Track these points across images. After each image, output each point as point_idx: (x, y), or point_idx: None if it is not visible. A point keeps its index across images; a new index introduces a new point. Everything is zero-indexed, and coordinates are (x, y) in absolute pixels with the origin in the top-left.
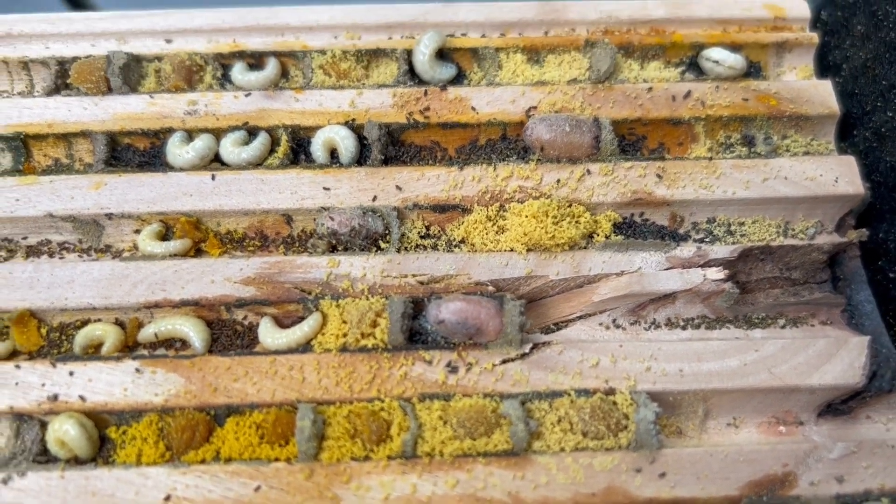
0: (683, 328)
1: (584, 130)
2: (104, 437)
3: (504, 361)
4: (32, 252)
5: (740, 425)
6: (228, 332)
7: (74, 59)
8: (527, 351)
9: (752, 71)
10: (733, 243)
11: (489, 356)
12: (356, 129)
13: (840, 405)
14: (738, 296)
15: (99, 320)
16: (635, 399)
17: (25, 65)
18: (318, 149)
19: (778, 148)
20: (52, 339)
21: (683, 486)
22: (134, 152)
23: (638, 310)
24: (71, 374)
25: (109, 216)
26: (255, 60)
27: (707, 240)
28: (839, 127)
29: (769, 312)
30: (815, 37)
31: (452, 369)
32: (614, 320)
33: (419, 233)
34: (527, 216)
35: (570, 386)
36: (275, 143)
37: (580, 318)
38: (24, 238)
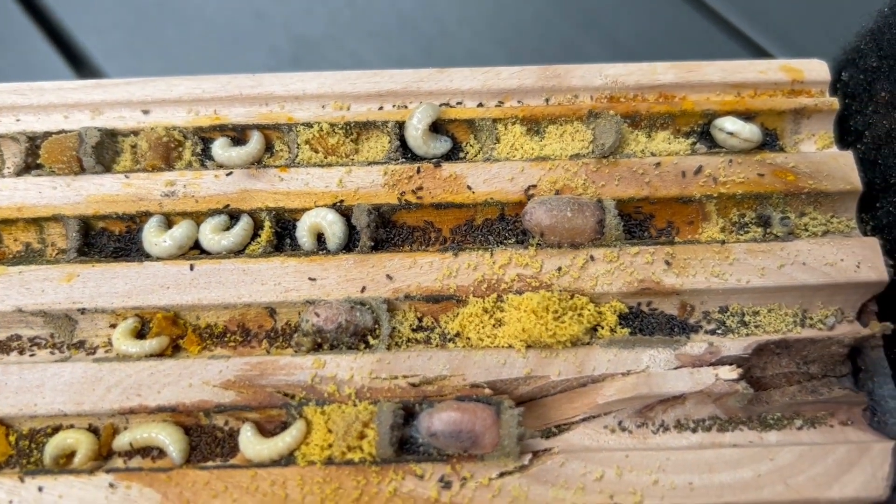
0: (693, 430)
1: (588, 214)
2: None
3: (501, 475)
4: (1, 348)
5: None
6: (208, 440)
7: (46, 133)
8: (526, 463)
9: (768, 140)
10: (747, 335)
11: (485, 469)
12: (344, 211)
13: None
14: (752, 395)
15: (71, 426)
16: None
17: None
18: (303, 234)
19: (795, 228)
20: (20, 447)
21: None
22: (109, 237)
23: (645, 411)
24: (40, 489)
25: (82, 311)
26: (238, 134)
27: (719, 331)
28: (862, 198)
29: (785, 412)
30: (835, 102)
31: (446, 485)
32: (620, 422)
33: (411, 325)
34: (526, 311)
35: (573, 502)
36: (258, 226)
37: (584, 420)
38: None
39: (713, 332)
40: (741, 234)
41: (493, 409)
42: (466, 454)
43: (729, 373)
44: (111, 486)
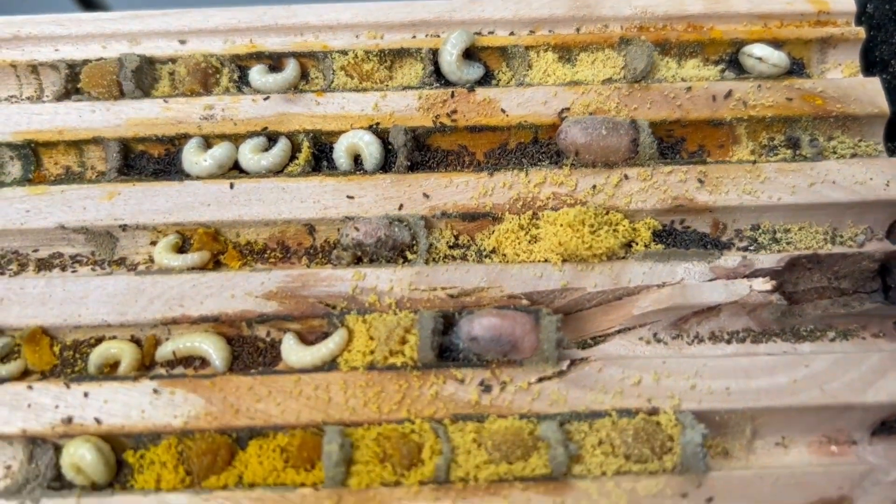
0: (728, 342)
1: (622, 133)
2: (121, 461)
3: (540, 380)
4: (43, 266)
5: (789, 445)
6: (250, 350)
7: (85, 61)
8: (564, 368)
9: (795, 68)
10: (779, 251)
11: (524, 374)
12: (380, 133)
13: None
14: (785, 307)
15: (114, 337)
16: (681, 420)
17: (34, 68)
18: (341, 155)
19: (824, 150)
20: (65, 357)
21: None
22: (148, 159)
23: (680, 323)
24: (86, 395)
25: (123, 227)
26: (274, 62)
27: (751, 248)
28: (888, 127)
29: (818, 325)
30: (861, 31)
31: (486, 388)
32: (655, 334)
33: (448, 243)
34: (562, 225)
35: (611, 405)
36: (295, 149)
37: (619, 332)
38: (35, 251)
39: (745, 249)
40: (771, 157)
41: (532, 315)
42: (506, 359)
43: (763, 284)
44: (155, 391)
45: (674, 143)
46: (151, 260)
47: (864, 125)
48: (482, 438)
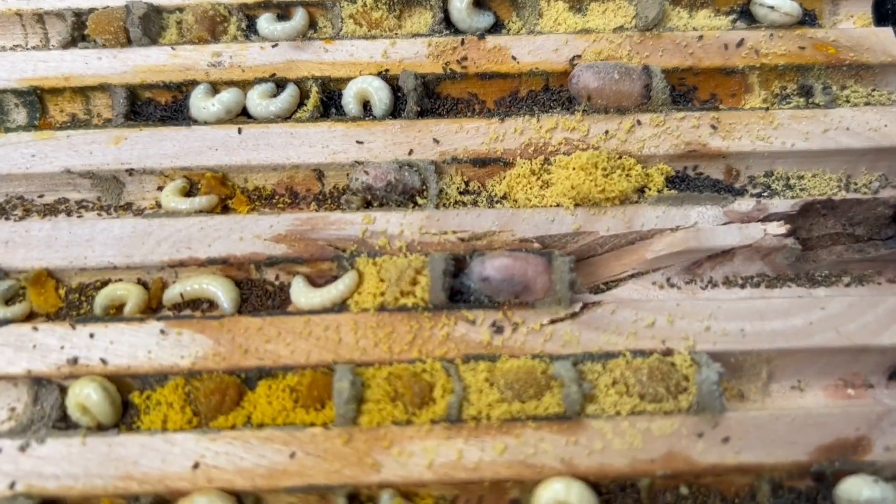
0: (742, 287)
1: (634, 78)
2: (127, 402)
3: (552, 321)
4: (49, 211)
5: (805, 388)
6: (258, 293)
7: (91, 9)
8: (577, 310)
9: (807, 19)
10: (793, 198)
11: (536, 316)
12: (390, 80)
13: None
14: (799, 252)
15: (120, 280)
16: (696, 359)
17: (40, 17)
18: (349, 101)
19: (837, 99)
20: (70, 300)
21: (749, 452)
22: (155, 107)
23: (693, 268)
24: (91, 336)
25: (130, 172)
26: (282, 11)
27: (765, 194)
28: None
29: (832, 270)
30: None
31: (497, 329)
32: (668, 279)
33: (458, 188)
34: (574, 168)
35: (625, 347)
36: (304, 96)
37: (632, 276)
38: (41, 196)
39: (759, 196)
40: (784, 105)
41: (545, 257)
42: (517, 301)
43: (777, 228)
44: (162, 332)
45: (686, 91)
46: (158, 205)
47: (877, 74)
48: (494, 378)
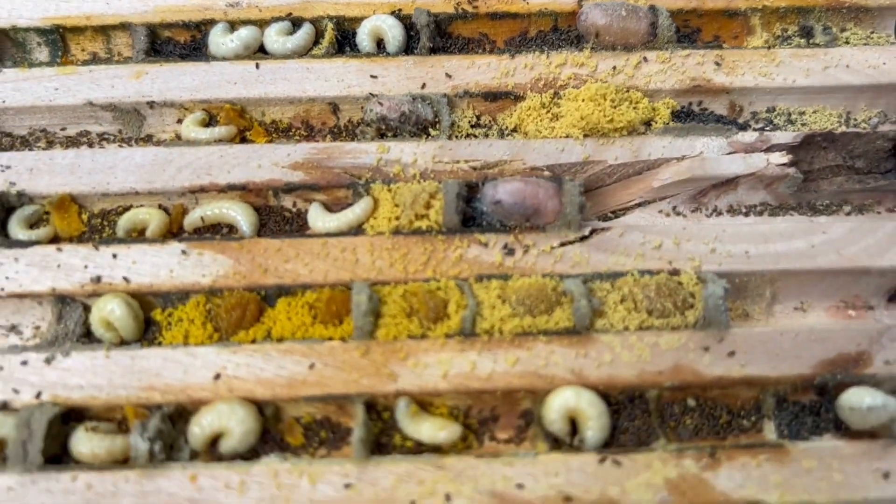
0: (746, 214)
1: (641, 16)
2: (149, 320)
3: (563, 244)
4: (71, 143)
5: (808, 310)
6: (276, 219)
7: None
8: (586, 234)
9: None
10: (794, 132)
11: (547, 239)
12: (403, 19)
13: None
14: (801, 182)
15: (142, 206)
16: (702, 277)
17: None
18: (364, 38)
19: (837, 39)
20: (93, 224)
21: (754, 365)
22: (175, 45)
23: (699, 196)
24: (114, 256)
25: (151, 104)
26: None
27: (767, 129)
28: None
29: (833, 200)
30: None
31: (509, 252)
32: (674, 207)
33: (469, 122)
34: (584, 100)
35: (633, 267)
36: (319, 35)
37: (639, 205)
38: (63, 129)
39: (762, 130)
40: (785, 46)
41: (555, 181)
42: (529, 224)
43: (780, 158)
44: (183, 252)
45: (690, 32)
46: (178, 137)
47: (875, 17)
48: (506, 294)
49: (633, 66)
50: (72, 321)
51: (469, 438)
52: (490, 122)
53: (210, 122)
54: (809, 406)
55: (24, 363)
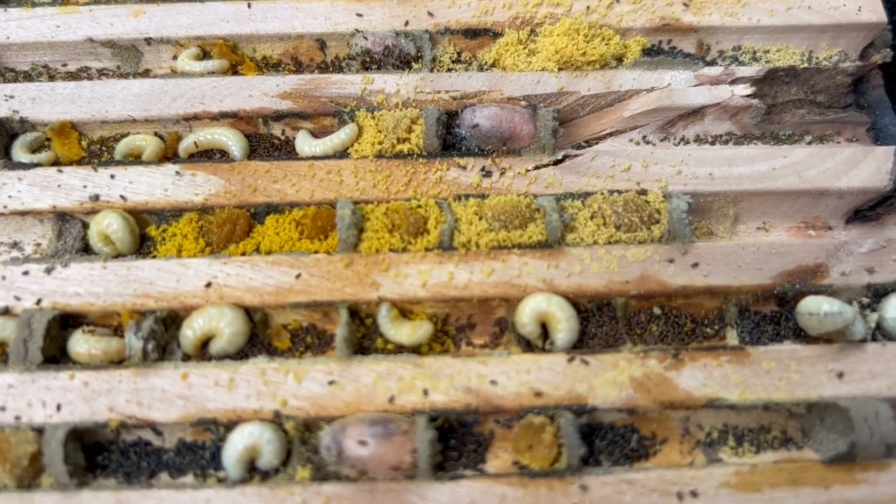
0: (712, 143)
1: None
2: (144, 236)
3: (537, 167)
4: (72, 78)
5: (770, 229)
6: (266, 146)
7: None
8: (560, 157)
9: None
10: (759, 68)
11: (522, 162)
12: None
13: (868, 211)
14: (764, 114)
15: (138, 133)
16: (668, 194)
17: None
18: None
19: None
20: (92, 150)
21: (716, 276)
22: None
23: (667, 126)
24: (112, 176)
25: (148, 41)
26: None
27: (733, 65)
28: None
29: (795, 130)
30: None
31: (486, 174)
32: (644, 137)
33: (451, 58)
34: (558, 34)
35: (603, 188)
36: None
37: (610, 135)
38: (64, 65)
39: (728, 66)
40: None
41: (530, 108)
42: (505, 148)
43: (744, 89)
44: (177, 173)
45: None
46: (174, 72)
47: None
48: (483, 211)
49: (606, 6)
50: (71, 237)
51: (447, 343)
52: (470, 58)
53: (204, 56)
54: (770, 316)
55: (26, 273)
